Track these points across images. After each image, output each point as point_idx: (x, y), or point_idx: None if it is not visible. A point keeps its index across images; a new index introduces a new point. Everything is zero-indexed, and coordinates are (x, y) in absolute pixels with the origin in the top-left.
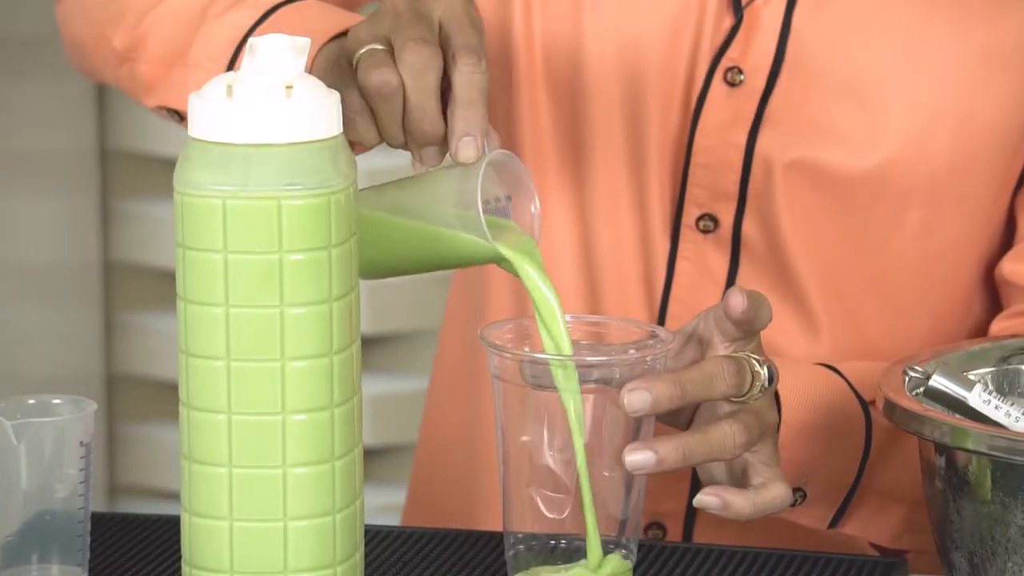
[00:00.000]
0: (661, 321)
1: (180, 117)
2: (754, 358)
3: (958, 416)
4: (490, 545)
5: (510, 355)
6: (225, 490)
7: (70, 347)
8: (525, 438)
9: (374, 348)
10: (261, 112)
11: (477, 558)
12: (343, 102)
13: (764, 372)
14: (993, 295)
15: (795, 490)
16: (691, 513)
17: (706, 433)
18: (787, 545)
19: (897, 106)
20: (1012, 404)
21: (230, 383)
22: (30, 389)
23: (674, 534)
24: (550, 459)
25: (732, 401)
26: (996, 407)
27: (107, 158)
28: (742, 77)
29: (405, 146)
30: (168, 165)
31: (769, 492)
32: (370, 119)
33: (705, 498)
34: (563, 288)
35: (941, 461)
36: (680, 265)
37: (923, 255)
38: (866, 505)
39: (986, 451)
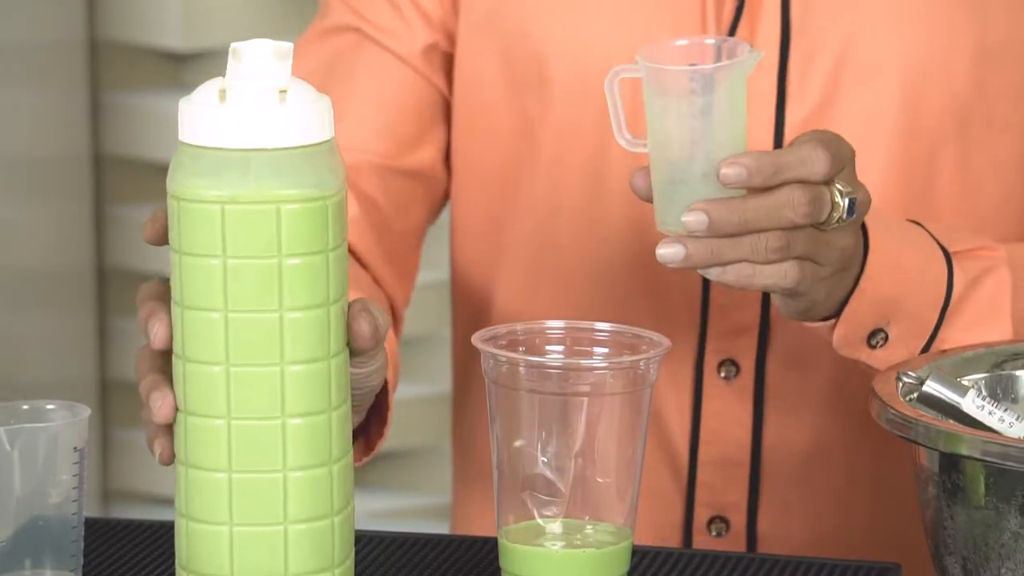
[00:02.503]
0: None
1: None
2: (836, 187)
3: (952, 422)
4: (484, 551)
5: (505, 358)
6: (224, 495)
7: (64, 352)
8: (519, 443)
9: None
10: (257, 117)
11: (469, 564)
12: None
13: (844, 203)
14: None
15: (877, 331)
16: (753, 505)
17: (739, 239)
18: (850, 528)
19: (906, 48)
20: (1006, 410)
21: (229, 388)
22: (24, 394)
23: (738, 526)
24: (544, 464)
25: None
26: (990, 413)
27: (100, 164)
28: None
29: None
30: (161, 170)
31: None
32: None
33: (663, 251)
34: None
35: (935, 467)
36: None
37: (967, 199)
38: None
39: (980, 457)
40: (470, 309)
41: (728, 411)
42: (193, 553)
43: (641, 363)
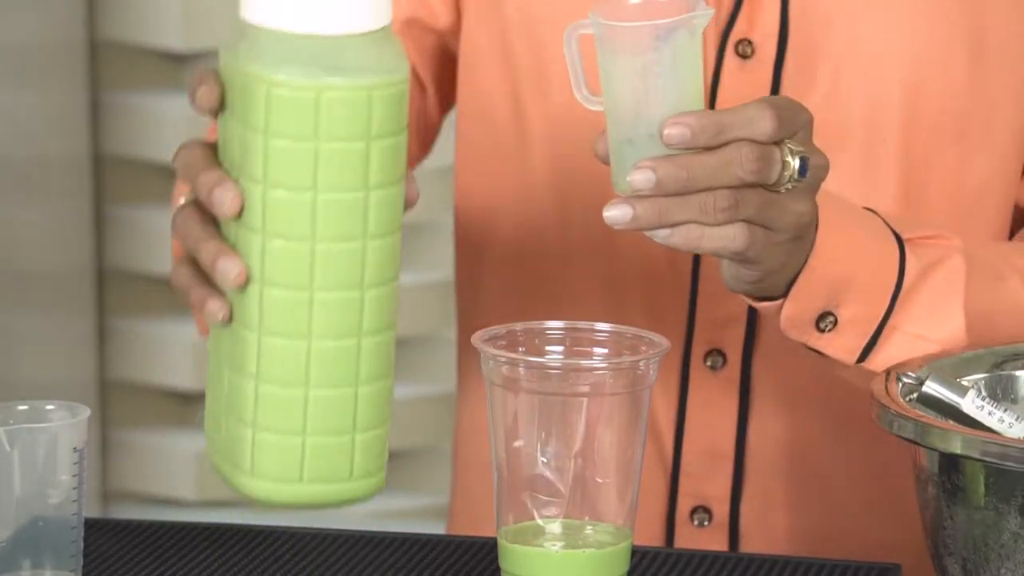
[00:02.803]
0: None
1: None
2: (788, 146)
3: (951, 422)
4: (483, 551)
5: (504, 359)
6: (303, 361)
7: (63, 353)
8: (518, 443)
9: None
10: (349, 1)
11: (469, 565)
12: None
13: (795, 162)
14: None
15: (826, 314)
16: (736, 496)
17: (686, 199)
18: (833, 523)
19: (905, 41)
20: (1005, 410)
21: (313, 262)
22: (23, 395)
23: (720, 516)
24: (543, 464)
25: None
26: (989, 413)
27: (100, 164)
28: (752, 47)
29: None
30: (161, 171)
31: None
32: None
33: (610, 212)
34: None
35: (934, 467)
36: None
37: (960, 196)
38: (896, 342)
39: (979, 457)
40: (468, 301)
41: (714, 401)
42: (264, 412)
43: (641, 363)
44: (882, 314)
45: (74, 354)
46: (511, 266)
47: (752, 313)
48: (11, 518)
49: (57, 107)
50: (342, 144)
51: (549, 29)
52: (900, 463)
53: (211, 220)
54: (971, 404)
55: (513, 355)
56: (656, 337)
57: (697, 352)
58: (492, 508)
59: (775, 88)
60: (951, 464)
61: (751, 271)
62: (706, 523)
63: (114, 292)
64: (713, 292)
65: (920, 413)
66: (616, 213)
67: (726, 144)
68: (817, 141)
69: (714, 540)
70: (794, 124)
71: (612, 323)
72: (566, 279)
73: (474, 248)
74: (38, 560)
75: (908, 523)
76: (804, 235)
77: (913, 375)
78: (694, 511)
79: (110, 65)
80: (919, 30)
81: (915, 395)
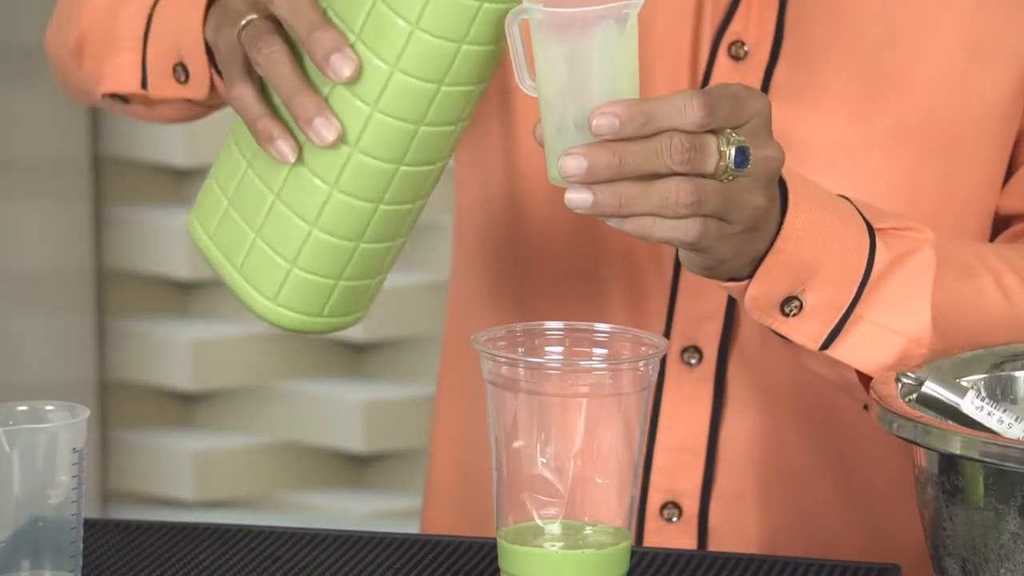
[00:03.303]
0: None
1: (125, 101)
2: (726, 135)
3: (951, 422)
4: (483, 552)
5: (504, 359)
6: (367, 220)
7: (63, 353)
8: (518, 443)
9: (367, 355)
10: None
11: (468, 565)
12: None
13: (730, 151)
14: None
15: (792, 298)
16: (707, 493)
17: (649, 186)
18: (803, 522)
19: (900, 63)
20: (1005, 410)
21: (412, 141)
22: (23, 395)
23: (690, 512)
24: (543, 464)
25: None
26: (989, 413)
27: (100, 165)
28: (746, 49)
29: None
30: (160, 172)
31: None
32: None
33: (571, 196)
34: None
35: (934, 468)
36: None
37: (947, 208)
38: (861, 332)
39: (979, 458)
40: (455, 292)
41: (689, 397)
42: (312, 256)
43: (640, 364)
44: (848, 302)
45: (74, 354)
46: (495, 256)
47: (730, 311)
48: (11, 518)
49: (57, 107)
50: (480, 48)
51: None
52: (872, 465)
53: (288, 39)
54: (970, 405)
55: (513, 356)
56: (655, 338)
57: (674, 347)
58: (464, 509)
59: (764, 91)
60: (950, 465)
61: (704, 258)
62: (675, 519)
63: (114, 292)
64: (693, 289)
65: (919, 414)
66: (576, 197)
67: (658, 134)
68: (805, 148)
69: (683, 535)
70: (738, 113)
71: (604, 321)
72: (548, 270)
73: (461, 239)
74: (37, 560)
75: (880, 524)
76: (761, 227)
77: (913, 376)
78: (664, 506)
79: None
80: (916, 43)
81: (914, 395)
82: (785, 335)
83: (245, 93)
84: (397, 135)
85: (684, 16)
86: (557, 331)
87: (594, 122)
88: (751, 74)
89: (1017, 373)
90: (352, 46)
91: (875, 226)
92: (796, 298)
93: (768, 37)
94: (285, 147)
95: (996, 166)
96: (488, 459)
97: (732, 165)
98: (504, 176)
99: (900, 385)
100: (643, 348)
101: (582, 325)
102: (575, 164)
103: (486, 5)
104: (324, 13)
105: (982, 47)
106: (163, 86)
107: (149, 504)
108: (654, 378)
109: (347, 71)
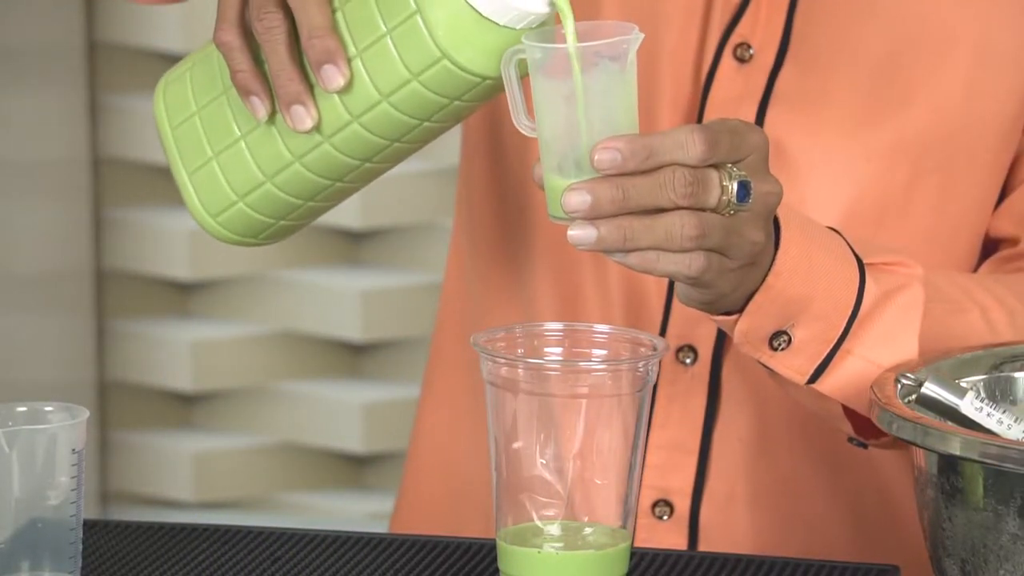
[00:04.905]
0: None
1: None
2: (727, 169)
3: (950, 423)
4: (482, 553)
5: (504, 360)
6: (349, 169)
7: (62, 354)
8: (517, 444)
9: (364, 356)
10: None
11: (468, 566)
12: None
13: (732, 186)
14: None
15: (780, 333)
16: (698, 490)
17: (654, 219)
18: (796, 523)
19: (905, 80)
20: (1004, 411)
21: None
22: (22, 396)
23: (681, 511)
24: (542, 465)
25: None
26: (988, 414)
27: (100, 165)
28: (751, 52)
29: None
30: (160, 173)
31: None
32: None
33: (574, 232)
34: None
35: (933, 469)
36: None
37: (940, 226)
38: (848, 367)
39: (978, 458)
40: (450, 286)
41: (683, 396)
42: (265, 203)
43: (640, 365)
44: (836, 337)
45: (73, 355)
46: (492, 256)
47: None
48: (10, 519)
49: (56, 108)
50: (474, 104)
51: None
52: (864, 468)
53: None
54: (970, 406)
55: (512, 356)
56: (655, 339)
57: (671, 346)
58: (439, 510)
59: (767, 95)
60: (950, 466)
61: (703, 293)
62: (666, 517)
63: (113, 293)
64: None
65: (919, 414)
66: (580, 233)
67: (660, 168)
68: (802, 155)
69: (674, 534)
70: (739, 148)
71: (607, 323)
72: (548, 269)
73: (464, 235)
74: (37, 561)
75: (870, 526)
76: (758, 262)
77: (912, 376)
78: (655, 504)
79: (109, 67)
80: (922, 61)
81: (914, 396)
82: (772, 368)
83: (233, 42)
84: (371, 145)
85: (693, 16)
86: (556, 332)
87: (596, 156)
88: (755, 77)
89: (1016, 374)
90: (350, 59)
91: (865, 261)
92: (785, 332)
93: (774, 41)
94: (260, 106)
95: (991, 188)
96: (471, 463)
97: (734, 199)
98: (506, 178)
99: (899, 386)
100: (643, 349)
101: (581, 326)
102: (579, 199)
103: (488, 82)
104: (333, 14)
105: (986, 69)
106: None
107: (149, 505)
108: (654, 379)
109: (334, 85)
